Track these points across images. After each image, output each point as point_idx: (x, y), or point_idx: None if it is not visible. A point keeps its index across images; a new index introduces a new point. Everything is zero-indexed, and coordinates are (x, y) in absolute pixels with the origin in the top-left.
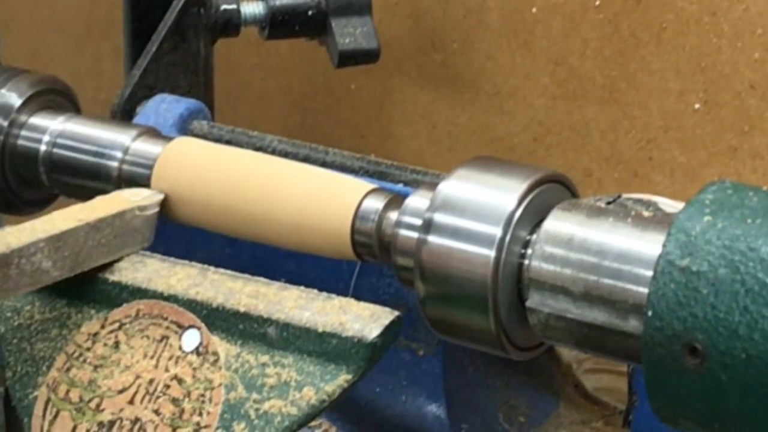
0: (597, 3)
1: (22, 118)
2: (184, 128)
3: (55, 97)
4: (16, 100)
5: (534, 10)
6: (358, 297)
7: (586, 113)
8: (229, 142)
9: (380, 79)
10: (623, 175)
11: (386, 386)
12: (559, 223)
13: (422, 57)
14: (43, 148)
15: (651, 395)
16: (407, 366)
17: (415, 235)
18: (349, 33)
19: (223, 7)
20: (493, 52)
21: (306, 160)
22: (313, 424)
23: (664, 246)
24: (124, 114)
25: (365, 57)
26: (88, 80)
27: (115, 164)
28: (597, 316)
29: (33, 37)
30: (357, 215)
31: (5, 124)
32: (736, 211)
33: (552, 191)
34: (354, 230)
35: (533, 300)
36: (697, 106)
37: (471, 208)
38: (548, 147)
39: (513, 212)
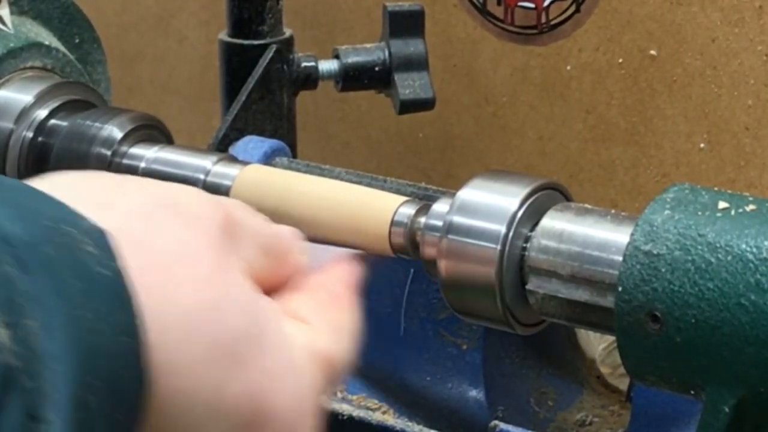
0: (620, 61)
1: (123, 148)
2: (268, 163)
3: (152, 131)
4: (118, 134)
5: (568, 67)
6: (412, 300)
7: (612, 153)
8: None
9: (443, 129)
10: (643, 205)
11: (435, 375)
12: (552, 221)
13: (477, 109)
14: (140, 172)
15: (623, 356)
16: (453, 358)
17: (437, 234)
18: (409, 85)
19: (303, 64)
20: (535, 104)
21: (368, 186)
22: (374, 406)
23: (632, 235)
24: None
25: (423, 105)
26: (201, 135)
27: (200, 183)
28: (581, 294)
29: (153, 100)
30: (393, 221)
31: (108, 153)
32: (690, 206)
33: (549, 196)
34: (391, 233)
35: (532, 283)
36: (702, 145)
37: (482, 210)
38: (581, 182)
39: (515, 213)
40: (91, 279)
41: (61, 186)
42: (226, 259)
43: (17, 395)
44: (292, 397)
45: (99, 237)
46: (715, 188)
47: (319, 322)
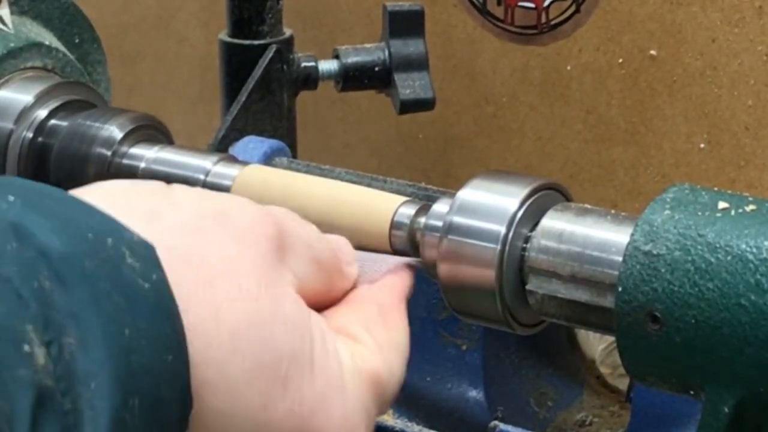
0: (620, 61)
1: (123, 148)
2: (268, 163)
3: (152, 131)
4: (118, 134)
5: (569, 67)
6: (411, 300)
7: (612, 154)
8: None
9: (442, 129)
10: (643, 205)
11: (435, 376)
12: (552, 221)
13: (477, 109)
14: (140, 172)
15: (623, 357)
16: (453, 359)
17: (437, 235)
18: (409, 85)
19: (303, 64)
20: (535, 104)
21: (368, 186)
22: None
23: (632, 235)
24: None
25: (423, 105)
26: (201, 136)
27: (200, 183)
28: (581, 295)
29: (154, 100)
30: (393, 221)
31: (109, 153)
32: (690, 206)
33: (549, 196)
34: (391, 233)
35: (531, 284)
36: (702, 145)
37: (482, 210)
38: (581, 183)
39: (515, 213)
40: (133, 294)
41: (109, 196)
42: (275, 274)
43: (53, 416)
44: (342, 419)
45: (143, 250)
46: (715, 188)
47: (369, 339)
